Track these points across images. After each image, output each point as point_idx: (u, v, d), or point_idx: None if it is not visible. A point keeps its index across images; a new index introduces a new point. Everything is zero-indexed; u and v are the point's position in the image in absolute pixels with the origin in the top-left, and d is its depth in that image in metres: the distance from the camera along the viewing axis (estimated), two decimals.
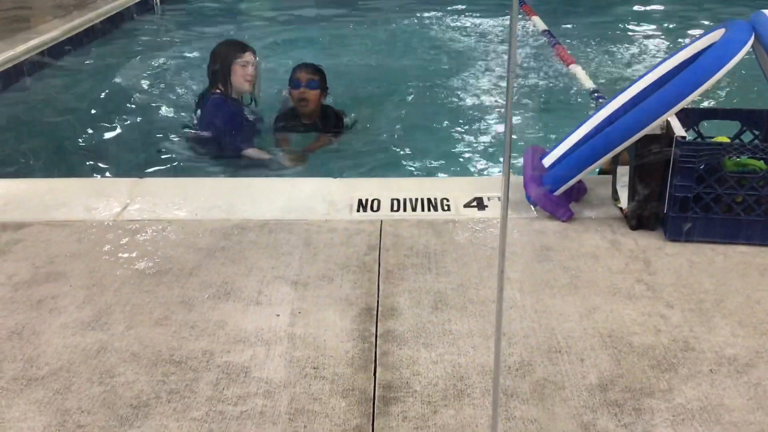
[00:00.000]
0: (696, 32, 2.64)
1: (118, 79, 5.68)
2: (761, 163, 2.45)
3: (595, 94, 4.28)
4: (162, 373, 1.92)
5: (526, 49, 6.20)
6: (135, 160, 4.17)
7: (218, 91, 3.99)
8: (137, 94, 5.39)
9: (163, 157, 4.12)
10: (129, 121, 4.80)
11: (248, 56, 4.03)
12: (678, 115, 2.49)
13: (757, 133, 2.69)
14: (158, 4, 8.37)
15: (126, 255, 2.50)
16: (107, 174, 4.00)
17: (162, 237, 2.62)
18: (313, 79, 4.10)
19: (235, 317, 2.15)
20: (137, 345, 2.03)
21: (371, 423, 1.74)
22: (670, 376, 1.89)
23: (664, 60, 2.73)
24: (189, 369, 1.93)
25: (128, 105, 5.15)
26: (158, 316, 2.16)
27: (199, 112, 4.13)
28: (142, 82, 5.73)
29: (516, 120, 4.63)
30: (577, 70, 5.14)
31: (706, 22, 6.78)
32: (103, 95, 5.31)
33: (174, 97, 5.37)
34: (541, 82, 5.50)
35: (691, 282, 2.30)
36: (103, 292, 2.28)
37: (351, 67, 6.02)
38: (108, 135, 4.60)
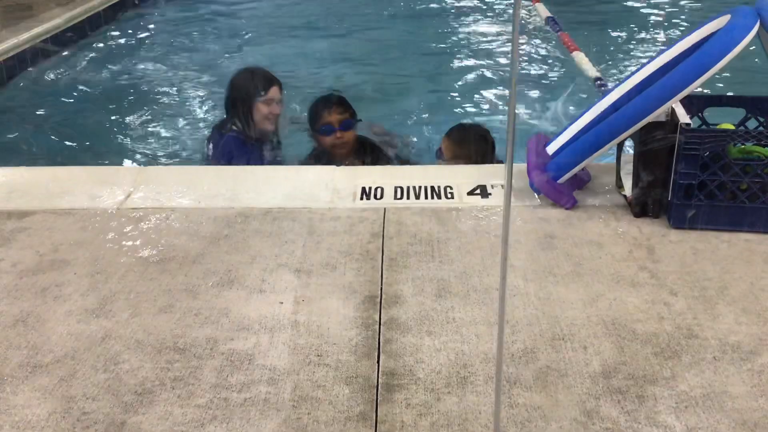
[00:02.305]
0: (701, 19, 2.62)
1: (122, 67, 5.68)
2: (766, 150, 2.43)
3: (599, 82, 4.26)
4: (166, 360, 1.92)
5: (530, 36, 6.17)
6: (139, 148, 4.17)
7: (235, 128, 3.54)
8: (142, 82, 5.39)
9: (166, 145, 4.12)
10: (133, 109, 4.80)
11: (273, 92, 3.56)
12: (682, 102, 2.48)
13: (762, 120, 2.67)
14: None
15: (130, 243, 2.50)
16: (111, 162, 4.00)
17: (165, 225, 2.62)
18: (346, 119, 3.51)
19: (238, 305, 2.15)
20: (141, 332, 2.04)
21: (375, 410, 1.75)
22: (674, 363, 1.89)
23: (669, 47, 2.71)
24: (193, 356, 1.94)
25: (133, 93, 5.15)
26: (162, 303, 2.17)
27: (211, 147, 3.65)
28: (147, 69, 5.73)
29: (519, 108, 4.62)
30: (580, 57, 5.12)
31: (712, 9, 6.74)
32: (107, 83, 5.31)
33: (179, 85, 5.37)
34: (544, 69, 5.48)
35: (695, 269, 2.30)
36: (108, 280, 2.29)
37: (351, 49, 5.99)
38: (112, 123, 4.61)
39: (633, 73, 2.75)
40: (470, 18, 7.18)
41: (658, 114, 2.43)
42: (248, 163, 3.50)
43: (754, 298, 2.15)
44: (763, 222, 2.46)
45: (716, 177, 2.44)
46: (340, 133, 3.48)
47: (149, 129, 4.53)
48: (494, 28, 6.65)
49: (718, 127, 2.60)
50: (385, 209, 2.71)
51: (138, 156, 4.04)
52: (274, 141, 3.68)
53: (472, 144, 3.34)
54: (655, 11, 7.36)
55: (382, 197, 2.80)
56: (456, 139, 3.41)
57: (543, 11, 6.37)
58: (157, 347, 1.98)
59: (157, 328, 2.05)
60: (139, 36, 6.68)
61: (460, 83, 5.24)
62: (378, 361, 1.91)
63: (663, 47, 2.73)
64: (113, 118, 4.67)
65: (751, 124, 2.70)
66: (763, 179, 2.42)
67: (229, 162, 3.50)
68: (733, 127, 2.61)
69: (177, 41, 6.61)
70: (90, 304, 2.17)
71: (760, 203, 2.45)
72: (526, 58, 5.68)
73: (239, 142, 3.53)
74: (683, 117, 2.45)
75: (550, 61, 5.64)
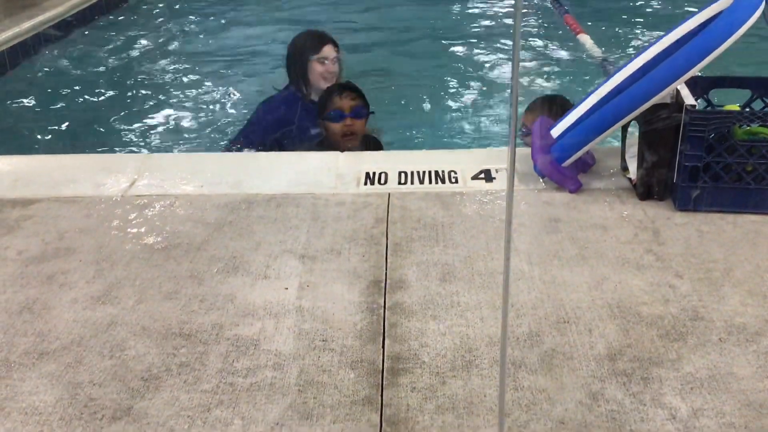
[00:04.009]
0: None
1: (126, 55, 5.67)
2: None
3: (604, 63, 4.24)
4: (172, 346, 1.93)
5: (535, 18, 6.13)
6: (144, 135, 4.17)
7: (292, 89, 3.57)
8: (147, 69, 5.38)
9: (170, 132, 4.11)
10: (138, 96, 4.80)
11: (327, 50, 3.56)
12: (687, 83, 2.46)
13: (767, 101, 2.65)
14: None
15: (135, 230, 2.51)
16: (116, 149, 4.00)
17: (170, 212, 2.63)
18: (357, 105, 3.34)
19: (243, 291, 2.16)
20: (147, 319, 2.05)
21: (380, 394, 1.75)
22: (679, 345, 1.89)
23: (674, 27, 2.68)
24: (199, 342, 1.94)
25: (137, 80, 5.15)
26: (167, 290, 2.17)
27: (262, 109, 3.65)
28: (152, 56, 5.72)
29: (523, 91, 4.60)
30: (585, 39, 5.09)
31: None
32: (111, 71, 5.31)
33: (184, 72, 5.36)
34: (549, 52, 5.45)
35: (701, 252, 2.29)
36: (113, 267, 2.30)
37: (352, 35, 5.95)
38: (117, 111, 4.60)
39: (637, 55, 2.73)
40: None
41: (663, 96, 2.42)
42: (299, 123, 3.49)
43: (760, 280, 2.15)
44: (766, 204, 2.44)
45: (722, 159, 2.42)
46: (350, 121, 3.30)
47: (154, 116, 4.53)
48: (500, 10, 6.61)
49: (723, 108, 2.58)
50: (389, 194, 2.70)
51: (142, 144, 4.04)
52: None
53: (559, 113, 3.19)
54: None
55: (386, 182, 2.79)
56: (543, 109, 3.26)
57: None
58: (163, 333, 1.98)
59: (162, 315, 2.06)
60: (143, 23, 6.66)
61: (462, 69, 5.22)
62: (383, 346, 1.92)
63: (668, 28, 2.70)
64: (117, 106, 4.67)
65: (757, 105, 2.68)
66: None
67: (278, 122, 3.48)
68: (738, 109, 2.59)
69: (182, 28, 6.60)
70: (96, 291, 2.17)
71: (765, 184, 2.44)
72: (531, 42, 5.65)
73: (292, 99, 3.53)
74: (688, 98, 2.43)
75: (558, 43, 5.60)
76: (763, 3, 2.37)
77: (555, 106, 3.25)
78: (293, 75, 3.62)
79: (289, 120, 3.56)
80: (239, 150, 3.55)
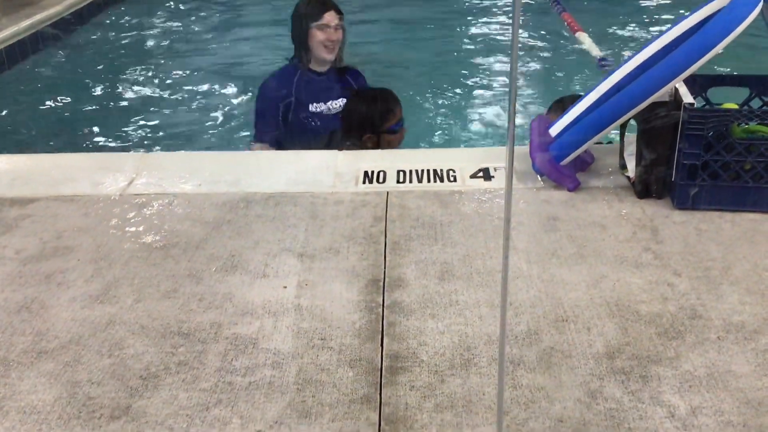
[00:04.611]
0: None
1: (125, 53, 5.66)
2: None
3: (602, 62, 4.23)
4: (171, 345, 1.93)
5: (533, 16, 6.13)
6: (142, 134, 4.17)
7: (295, 60, 3.49)
8: (145, 68, 5.38)
9: (168, 131, 4.11)
10: (136, 95, 4.80)
11: (329, 17, 3.43)
12: (686, 81, 2.46)
13: (766, 99, 2.65)
14: None
15: (133, 229, 2.51)
16: (114, 148, 4.00)
17: (168, 211, 2.62)
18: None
19: (242, 290, 2.16)
20: (145, 318, 2.04)
21: (379, 392, 1.75)
22: (678, 343, 1.89)
23: (673, 26, 2.69)
24: (197, 341, 1.94)
25: (135, 79, 5.14)
26: (166, 289, 2.17)
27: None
28: (151, 54, 5.71)
29: (522, 89, 4.60)
30: (584, 37, 5.08)
31: None
32: (110, 70, 5.30)
33: (183, 70, 5.36)
34: (547, 51, 5.45)
35: (699, 250, 2.30)
36: (111, 266, 2.29)
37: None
38: (115, 109, 4.60)
39: (636, 53, 2.73)
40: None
41: (662, 94, 2.42)
42: (296, 96, 3.45)
43: (758, 278, 2.15)
44: (767, 201, 2.45)
45: (720, 157, 2.42)
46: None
47: (152, 115, 4.52)
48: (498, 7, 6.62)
49: (721, 106, 2.58)
50: (387, 193, 2.70)
51: (140, 142, 4.04)
52: (340, 72, 3.57)
53: None
54: None
55: (384, 181, 2.79)
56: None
57: None
58: (162, 332, 1.98)
59: (161, 313, 2.06)
60: (142, 21, 6.65)
61: (460, 63, 5.22)
62: (381, 344, 1.91)
63: (667, 26, 2.70)
64: (116, 104, 4.67)
65: (755, 103, 2.68)
66: (766, 158, 2.41)
67: (275, 99, 3.43)
68: (736, 107, 2.59)
69: (182, 26, 6.59)
70: (94, 290, 2.17)
71: (764, 183, 2.44)
72: (529, 40, 5.65)
73: (291, 70, 3.47)
74: (687, 96, 2.43)
75: (556, 41, 5.60)
76: (762, 1, 2.37)
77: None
78: (296, 44, 3.54)
79: (287, 93, 3.51)
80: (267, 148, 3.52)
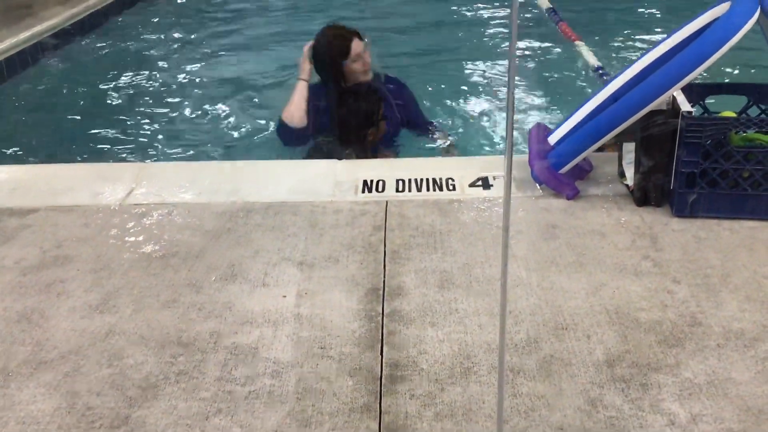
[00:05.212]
0: (702, 6, 2.62)
1: (124, 63, 5.67)
2: None
3: (600, 71, 4.25)
4: (170, 354, 1.93)
5: (530, 27, 6.15)
6: (141, 144, 4.17)
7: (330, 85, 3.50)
8: (144, 79, 5.39)
9: (168, 141, 4.11)
10: (136, 106, 4.80)
11: (355, 47, 3.43)
12: (683, 90, 2.47)
13: (763, 107, 2.66)
14: None
15: (132, 239, 2.51)
16: (113, 159, 4.00)
17: (168, 220, 2.63)
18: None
19: (242, 299, 2.16)
20: (145, 327, 2.04)
21: (378, 401, 1.75)
22: (677, 351, 1.89)
23: (669, 35, 2.70)
24: (197, 350, 1.94)
25: (134, 89, 5.15)
26: (165, 298, 2.17)
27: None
28: (150, 64, 5.72)
29: (519, 98, 4.61)
30: (581, 47, 5.11)
31: None
32: (109, 80, 5.31)
33: (182, 81, 5.36)
34: (545, 60, 5.46)
35: (698, 257, 2.30)
36: (111, 276, 2.29)
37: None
38: (114, 120, 4.60)
39: (634, 62, 2.74)
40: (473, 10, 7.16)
41: (659, 103, 2.43)
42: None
43: (758, 286, 2.15)
44: (765, 209, 2.45)
45: (718, 165, 2.43)
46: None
47: (152, 125, 4.53)
48: (498, 13, 6.63)
49: (719, 114, 2.59)
50: (387, 202, 2.70)
51: (140, 152, 4.04)
52: (375, 85, 3.57)
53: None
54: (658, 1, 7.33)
55: (383, 190, 2.79)
56: None
57: (543, 2, 6.35)
58: (161, 342, 1.98)
59: (160, 323, 2.06)
60: (141, 33, 6.66)
61: (459, 73, 5.22)
62: (381, 353, 1.91)
63: (664, 35, 2.71)
64: (115, 114, 4.67)
65: (753, 111, 2.69)
66: (764, 166, 2.42)
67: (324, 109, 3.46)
68: (734, 115, 2.60)
69: (181, 37, 6.60)
70: (93, 300, 2.17)
71: (762, 190, 2.44)
72: (527, 50, 5.66)
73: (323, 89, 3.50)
74: (684, 105, 2.44)
75: (554, 51, 5.61)
76: (758, 10, 2.38)
77: None
78: (326, 77, 3.54)
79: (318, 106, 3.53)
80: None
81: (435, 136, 3.71)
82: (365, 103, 3.44)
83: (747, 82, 2.75)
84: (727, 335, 1.94)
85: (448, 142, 3.65)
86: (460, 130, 4.17)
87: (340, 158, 3.16)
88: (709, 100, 2.73)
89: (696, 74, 2.36)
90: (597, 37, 5.65)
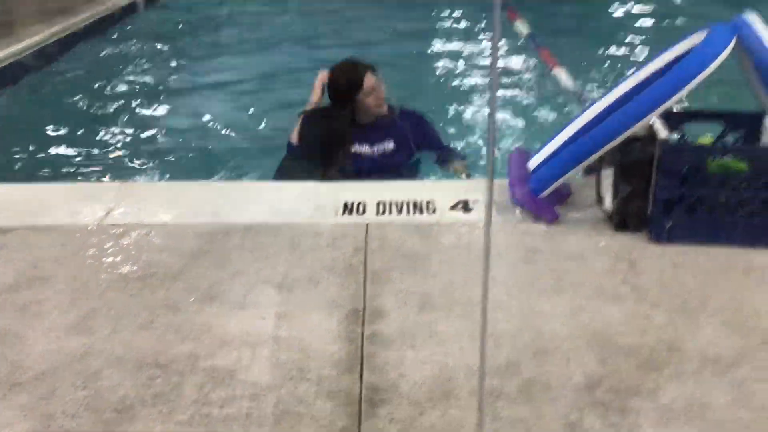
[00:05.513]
0: (680, 34, 2.67)
1: (104, 82, 5.65)
2: (744, 165, 2.46)
3: (580, 96, 4.30)
4: (147, 376, 1.90)
5: (510, 53, 6.22)
6: (121, 164, 4.15)
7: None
8: (125, 98, 5.37)
9: (148, 161, 4.09)
10: (116, 125, 4.78)
11: (368, 81, 3.53)
12: (661, 116, 2.51)
13: (740, 134, 2.71)
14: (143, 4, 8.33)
15: (110, 259, 2.48)
16: (92, 178, 3.97)
17: (147, 241, 2.61)
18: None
19: (220, 321, 2.14)
20: (122, 349, 2.02)
21: (358, 425, 1.74)
22: (656, 375, 1.90)
23: (649, 62, 2.75)
24: (174, 372, 1.92)
25: (115, 108, 5.13)
26: (143, 320, 2.15)
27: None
28: (130, 84, 5.71)
29: (501, 122, 4.65)
30: (561, 72, 5.17)
31: (690, 25, 6.83)
32: (88, 99, 5.29)
33: (163, 100, 5.35)
34: (525, 85, 5.52)
35: (676, 283, 2.32)
36: (88, 297, 2.27)
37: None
38: (94, 139, 4.58)
39: (612, 89, 2.78)
40: (451, 32, 7.23)
41: (637, 129, 2.46)
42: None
43: (734, 311, 2.17)
44: (741, 235, 2.48)
45: (695, 191, 2.46)
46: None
47: (132, 144, 4.51)
48: (477, 46, 6.70)
49: (696, 141, 2.63)
50: (367, 224, 2.71)
51: (120, 172, 4.02)
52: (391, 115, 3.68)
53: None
54: (638, 25, 7.45)
55: (364, 212, 2.80)
56: None
57: (523, 28, 6.44)
58: (138, 364, 1.96)
59: (137, 345, 2.03)
60: (121, 52, 6.65)
61: (440, 96, 5.26)
62: (361, 376, 1.90)
63: (642, 62, 2.76)
64: (94, 134, 4.65)
65: (730, 138, 2.73)
66: (740, 193, 2.45)
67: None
68: (711, 142, 2.64)
69: (161, 56, 6.60)
70: (70, 321, 2.14)
71: (738, 217, 2.48)
72: (508, 76, 5.72)
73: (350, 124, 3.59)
74: (662, 132, 2.48)
75: (534, 77, 5.68)
76: (734, 40, 2.43)
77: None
78: (340, 109, 3.63)
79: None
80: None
81: (454, 164, 3.74)
82: (336, 123, 3.47)
83: (723, 110, 2.80)
84: (705, 360, 1.96)
85: (464, 174, 3.67)
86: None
87: (306, 179, 3.17)
88: (687, 127, 2.77)
89: (672, 103, 2.40)
90: (577, 63, 5.72)
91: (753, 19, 2.50)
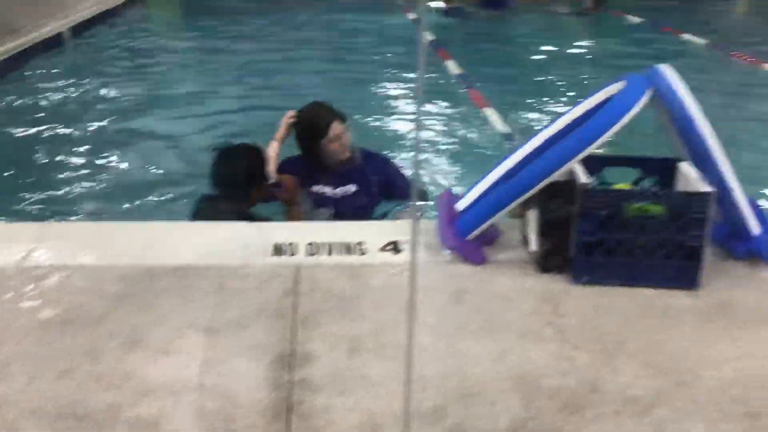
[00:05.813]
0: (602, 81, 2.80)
1: (28, 117, 5.51)
2: (660, 209, 2.57)
3: (508, 138, 4.41)
4: (65, 428, 1.84)
5: (439, 93, 6.34)
6: (42, 203, 4.03)
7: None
8: (46, 133, 5.24)
9: (71, 199, 3.98)
10: (36, 161, 4.65)
11: (335, 129, 3.67)
12: (583, 161, 2.60)
13: (656, 179, 2.82)
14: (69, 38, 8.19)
15: (29, 304, 2.40)
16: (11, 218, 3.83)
17: (68, 284, 2.53)
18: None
19: (143, 368, 2.09)
20: (39, 399, 1.94)
21: None
22: (578, 418, 1.94)
23: (570, 109, 2.85)
24: (94, 423, 1.86)
25: (34, 144, 4.99)
26: (62, 367, 2.08)
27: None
28: (51, 118, 5.57)
29: (428, 163, 4.72)
30: (490, 113, 5.31)
31: (611, 74, 7.14)
32: (7, 135, 5.13)
33: (87, 135, 5.24)
34: (454, 126, 5.63)
35: (596, 324, 2.39)
36: (3, 344, 2.18)
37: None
38: (12, 177, 4.44)
39: (536, 134, 2.87)
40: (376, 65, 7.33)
41: (559, 174, 2.54)
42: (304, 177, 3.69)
43: (652, 352, 2.24)
44: (657, 277, 2.58)
45: (614, 234, 2.55)
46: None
47: (56, 182, 4.39)
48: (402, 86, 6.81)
49: (615, 186, 2.73)
50: (297, 266, 2.70)
51: (41, 211, 3.90)
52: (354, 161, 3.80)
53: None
54: (564, 69, 7.73)
55: (294, 254, 2.79)
56: None
57: (453, 68, 6.59)
58: (56, 414, 1.89)
59: (56, 394, 1.96)
60: (49, 80, 6.50)
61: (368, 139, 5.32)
62: (289, 424, 1.88)
63: (569, 106, 2.87)
64: (16, 170, 4.51)
65: (647, 183, 2.84)
66: (657, 236, 2.55)
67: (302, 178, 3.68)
68: (629, 187, 2.75)
69: (91, 86, 6.48)
70: None
71: (655, 259, 2.57)
72: (435, 116, 5.83)
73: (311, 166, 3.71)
74: (582, 177, 2.57)
75: (463, 117, 5.80)
76: (650, 91, 2.55)
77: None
78: (306, 153, 3.77)
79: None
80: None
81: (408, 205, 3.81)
82: (245, 162, 3.49)
83: (641, 155, 2.91)
84: (625, 401, 2.01)
85: (419, 213, 3.73)
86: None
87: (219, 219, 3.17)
88: (606, 172, 2.87)
89: (591, 149, 2.50)
90: (506, 105, 5.88)
91: (666, 70, 2.64)
